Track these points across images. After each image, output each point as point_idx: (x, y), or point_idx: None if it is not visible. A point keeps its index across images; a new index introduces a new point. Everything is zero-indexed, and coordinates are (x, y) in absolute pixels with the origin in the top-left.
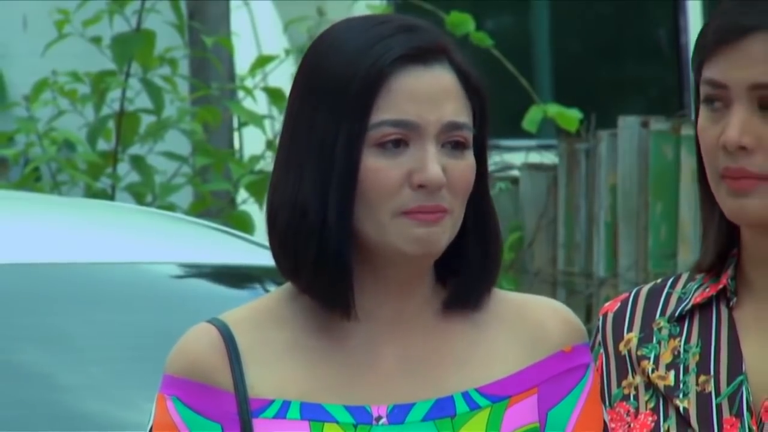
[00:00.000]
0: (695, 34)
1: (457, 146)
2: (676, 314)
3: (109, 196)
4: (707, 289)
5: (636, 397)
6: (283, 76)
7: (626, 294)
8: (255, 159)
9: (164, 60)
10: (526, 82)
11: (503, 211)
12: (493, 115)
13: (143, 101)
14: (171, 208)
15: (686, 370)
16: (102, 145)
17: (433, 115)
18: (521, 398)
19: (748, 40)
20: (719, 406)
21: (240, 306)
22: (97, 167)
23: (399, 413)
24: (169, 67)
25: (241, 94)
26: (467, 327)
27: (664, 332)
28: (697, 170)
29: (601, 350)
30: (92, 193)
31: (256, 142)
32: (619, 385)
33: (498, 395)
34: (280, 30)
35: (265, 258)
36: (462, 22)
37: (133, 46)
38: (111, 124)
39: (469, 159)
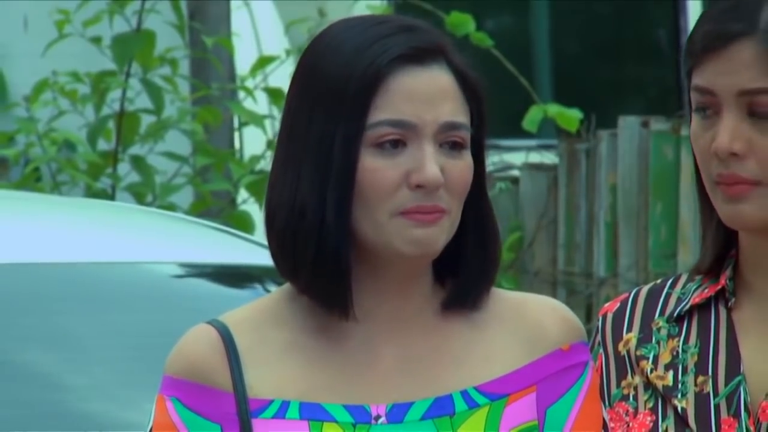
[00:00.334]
0: None
1: (455, 146)
2: (675, 314)
3: (110, 196)
4: (706, 290)
5: (635, 398)
6: (283, 76)
7: (626, 294)
8: (255, 159)
9: (164, 60)
10: (526, 82)
11: (503, 211)
12: (493, 115)
13: (143, 101)
14: (171, 208)
15: (685, 371)
16: (102, 145)
17: (431, 115)
18: (520, 396)
19: (734, 46)
20: (717, 407)
21: (240, 306)
22: (98, 167)
23: (398, 412)
24: (169, 67)
25: (241, 94)
26: (466, 326)
27: (663, 332)
28: (694, 175)
29: (601, 350)
30: (92, 193)
31: (256, 142)
32: (618, 385)
33: (496, 393)
34: (281, 30)
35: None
36: (462, 22)
37: (133, 47)
38: (111, 125)
39: (466, 159)
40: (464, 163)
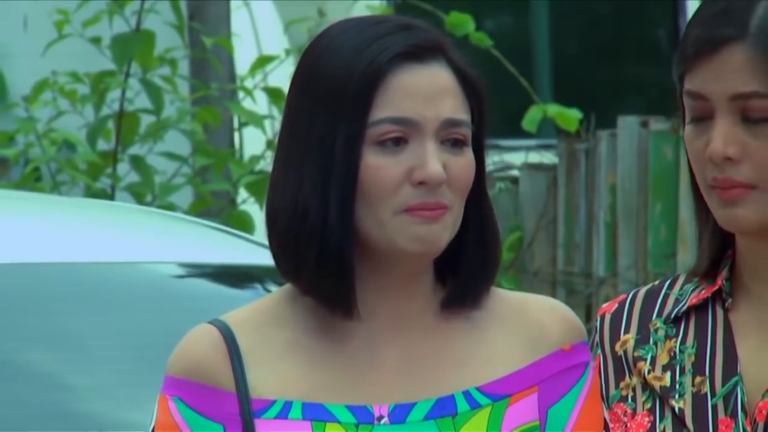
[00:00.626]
0: None
1: (456, 143)
2: (672, 316)
3: (109, 196)
4: (703, 291)
5: (633, 398)
6: (283, 76)
7: (624, 296)
8: (255, 159)
9: (164, 60)
10: (526, 82)
11: (503, 211)
12: (493, 115)
13: (143, 101)
14: (171, 208)
15: (682, 371)
16: (102, 145)
17: (432, 112)
18: (522, 397)
19: (725, 51)
20: (714, 407)
21: (240, 306)
22: (97, 167)
23: (400, 413)
24: (168, 67)
25: (241, 94)
26: (467, 326)
27: (661, 333)
28: (689, 178)
29: (599, 351)
30: (92, 193)
31: (256, 142)
32: (617, 386)
33: (498, 394)
34: (281, 30)
35: (265, 258)
36: (462, 22)
37: (132, 47)
38: (111, 125)
39: (468, 156)
40: (466, 160)
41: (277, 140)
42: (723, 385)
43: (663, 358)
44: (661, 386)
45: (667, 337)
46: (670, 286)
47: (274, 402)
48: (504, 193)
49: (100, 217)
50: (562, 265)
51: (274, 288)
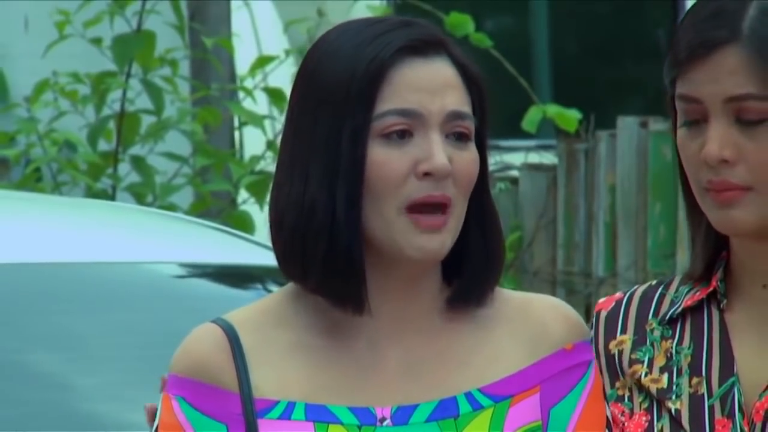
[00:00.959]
0: None
1: (461, 138)
2: (667, 317)
3: (110, 197)
4: (698, 293)
5: (630, 398)
6: (283, 76)
7: (621, 294)
8: (255, 159)
9: (165, 61)
10: (526, 83)
11: (503, 211)
12: (493, 115)
13: (144, 102)
14: (171, 208)
15: (679, 372)
16: (103, 145)
17: (436, 105)
18: (524, 397)
19: (719, 53)
20: (711, 408)
21: (240, 306)
22: (98, 168)
23: (403, 414)
24: (169, 67)
25: (241, 94)
26: (470, 326)
27: (657, 334)
28: (680, 182)
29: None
30: (93, 194)
31: (256, 142)
32: (612, 385)
33: (500, 394)
34: (281, 30)
35: (265, 258)
36: (461, 22)
37: (133, 47)
38: (111, 125)
39: (472, 151)
40: (470, 155)
41: (279, 143)
42: (720, 385)
43: (660, 360)
44: (657, 389)
45: (663, 338)
46: (666, 287)
47: (277, 402)
48: (504, 194)
49: (100, 218)
50: (562, 265)
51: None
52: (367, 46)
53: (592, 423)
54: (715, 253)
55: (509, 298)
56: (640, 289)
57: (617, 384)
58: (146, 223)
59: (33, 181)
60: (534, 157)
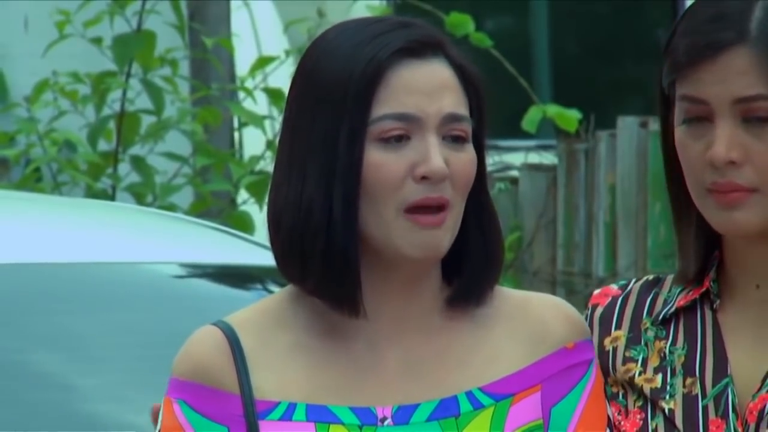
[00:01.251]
0: None
1: (458, 140)
2: (660, 318)
3: (110, 197)
4: (690, 293)
5: (624, 396)
6: (283, 76)
7: (617, 290)
8: (255, 159)
9: (165, 61)
10: (526, 83)
11: (503, 211)
12: (492, 115)
13: (144, 102)
14: (171, 208)
15: (673, 373)
16: (102, 145)
17: (433, 107)
18: (525, 396)
19: (727, 55)
20: (705, 408)
21: (241, 307)
22: (98, 168)
23: (404, 414)
24: (169, 67)
25: (241, 94)
26: (471, 326)
27: (650, 334)
28: (667, 185)
29: None
30: (93, 194)
31: (256, 142)
32: (606, 382)
33: (501, 393)
34: (281, 31)
35: (265, 258)
36: (461, 22)
37: (133, 47)
38: (111, 125)
39: (469, 152)
40: (467, 156)
41: (278, 142)
42: (713, 386)
43: (654, 360)
44: (651, 388)
45: (657, 338)
46: (660, 285)
47: (278, 403)
48: (503, 194)
49: (100, 218)
50: (562, 265)
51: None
52: (365, 47)
53: (594, 422)
54: (707, 254)
55: (509, 296)
56: (637, 286)
57: (609, 380)
58: (146, 223)
59: (33, 181)
60: (534, 157)
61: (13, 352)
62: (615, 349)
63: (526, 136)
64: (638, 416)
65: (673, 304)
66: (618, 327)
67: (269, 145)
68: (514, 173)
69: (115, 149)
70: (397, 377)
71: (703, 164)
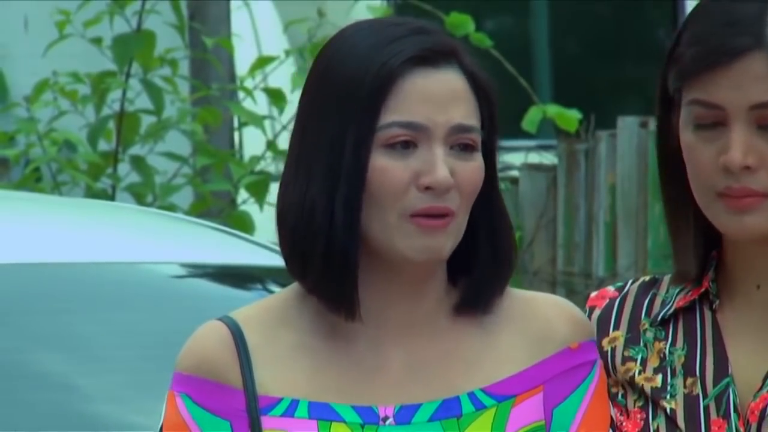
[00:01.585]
0: None
1: (466, 148)
2: (659, 319)
3: (110, 197)
4: (689, 293)
5: (624, 396)
6: (283, 76)
7: (614, 292)
8: (255, 159)
9: (164, 61)
10: (526, 83)
11: None
12: None
13: (143, 102)
14: (171, 208)
15: (673, 373)
16: (102, 145)
17: (442, 117)
18: (527, 397)
19: (744, 60)
20: (706, 408)
21: (241, 307)
22: (98, 168)
23: (406, 414)
24: (169, 67)
25: (241, 94)
26: (475, 327)
27: (649, 335)
28: (662, 186)
29: None
30: (93, 194)
31: (256, 142)
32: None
33: (503, 394)
34: (280, 31)
35: (265, 258)
36: (461, 22)
37: (133, 47)
38: (111, 125)
39: (477, 161)
40: (475, 165)
41: (279, 142)
42: (714, 386)
43: (654, 361)
44: (652, 387)
45: (656, 339)
46: (658, 286)
47: (280, 400)
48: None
49: (100, 218)
50: (562, 265)
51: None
52: (380, 52)
53: (596, 423)
54: (705, 254)
55: (514, 297)
56: (634, 287)
57: (610, 381)
58: (146, 223)
59: (33, 181)
60: (534, 157)
61: (13, 352)
62: (614, 350)
63: (526, 136)
64: (639, 416)
65: (672, 305)
66: (616, 328)
67: (269, 145)
68: (515, 173)
69: (115, 149)
70: (399, 377)
71: (714, 168)
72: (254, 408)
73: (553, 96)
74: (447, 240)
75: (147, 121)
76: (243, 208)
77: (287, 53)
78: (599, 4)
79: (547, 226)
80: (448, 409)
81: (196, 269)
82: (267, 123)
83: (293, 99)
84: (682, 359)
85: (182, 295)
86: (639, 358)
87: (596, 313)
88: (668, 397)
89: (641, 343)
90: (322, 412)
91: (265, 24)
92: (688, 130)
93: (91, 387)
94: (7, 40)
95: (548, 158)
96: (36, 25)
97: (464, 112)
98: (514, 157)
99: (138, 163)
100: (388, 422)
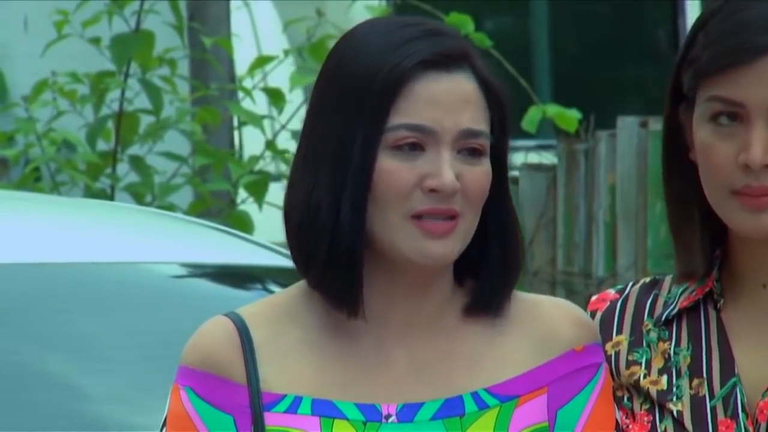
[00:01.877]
0: None
1: (474, 153)
2: (663, 319)
3: (109, 197)
4: (693, 293)
5: (630, 399)
6: (282, 76)
7: (615, 294)
8: (254, 159)
9: (163, 60)
10: (526, 83)
11: None
12: None
13: (142, 102)
14: (170, 208)
15: (679, 374)
16: (101, 145)
17: (451, 122)
18: (530, 398)
19: (766, 59)
20: (714, 409)
21: (240, 307)
22: (97, 167)
23: (408, 412)
24: (168, 67)
25: (240, 94)
26: (480, 328)
27: (653, 335)
28: (666, 182)
29: None
30: (92, 194)
31: (255, 142)
32: None
33: (507, 395)
34: (280, 30)
35: (264, 258)
36: (461, 22)
37: (132, 47)
38: (110, 125)
39: (484, 166)
40: (482, 170)
41: (299, 137)
42: (721, 386)
43: (658, 362)
44: (657, 390)
45: (660, 339)
46: (659, 287)
47: (284, 396)
48: None
49: (99, 218)
50: (562, 265)
51: (274, 288)
52: (391, 53)
53: (601, 425)
54: (713, 252)
55: (519, 299)
56: (635, 288)
57: (614, 384)
58: (146, 223)
59: (32, 181)
60: (534, 157)
61: (13, 352)
62: (617, 354)
63: (526, 136)
64: (645, 419)
65: (676, 305)
66: (619, 332)
67: (268, 144)
68: (514, 173)
69: (114, 149)
70: (403, 376)
71: (732, 166)
72: (257, 404)
73: (553, 96)
74: (454, 245)
75: (146, 121)
76: (242, 207)
77: (286, 53)
78: (599, 4)
79: (546, 226)
80: (451, 408)
81: (195, 269)
82: (266, 123)
83: (292, 99)
84: (688, 360)
85: (182, 295)
86: (643, 360)
87: (598, 316)
88: (674, 399)
89: (644, 344)
90: (325, 409)
91: (264, 24)
92: (704, 127)
93: (91, 387)
94: (6, 40)
95: (548, 158)
96: (35, 25)
97: (473, 116)
98: (514, 157)
99: (137, 163)
100: (390, 420)
